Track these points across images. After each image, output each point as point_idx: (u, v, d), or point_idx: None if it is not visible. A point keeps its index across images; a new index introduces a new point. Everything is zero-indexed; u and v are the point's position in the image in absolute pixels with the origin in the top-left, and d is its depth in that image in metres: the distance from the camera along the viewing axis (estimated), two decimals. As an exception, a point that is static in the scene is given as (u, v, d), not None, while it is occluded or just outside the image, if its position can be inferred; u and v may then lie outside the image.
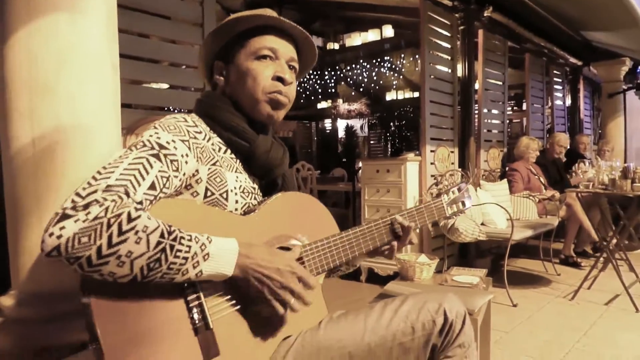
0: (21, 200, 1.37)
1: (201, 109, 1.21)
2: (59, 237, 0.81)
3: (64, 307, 1.33)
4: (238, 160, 1.20)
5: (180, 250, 0.90)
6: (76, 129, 1.38)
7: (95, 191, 0.86)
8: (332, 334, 1.13)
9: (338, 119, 12.22)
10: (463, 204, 1.51)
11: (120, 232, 0.83)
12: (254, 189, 1.20)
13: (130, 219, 0.85)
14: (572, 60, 6.99)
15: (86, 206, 0.83)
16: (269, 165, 1.23)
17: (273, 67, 1.20)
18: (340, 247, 1.23)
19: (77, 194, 0.85)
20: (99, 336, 0.84)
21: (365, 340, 1.11)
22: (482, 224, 4.00)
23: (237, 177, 1.16)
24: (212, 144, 1.15)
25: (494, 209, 4.00)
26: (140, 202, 0.91)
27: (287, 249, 1.15)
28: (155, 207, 0.96)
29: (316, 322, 1.18)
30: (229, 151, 1.18)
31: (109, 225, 0.83)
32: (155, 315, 0.91)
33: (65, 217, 0.82)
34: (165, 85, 2.77)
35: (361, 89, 11.38)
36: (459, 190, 1.50)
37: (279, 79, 1.19)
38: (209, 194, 1.09)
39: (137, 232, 0.85)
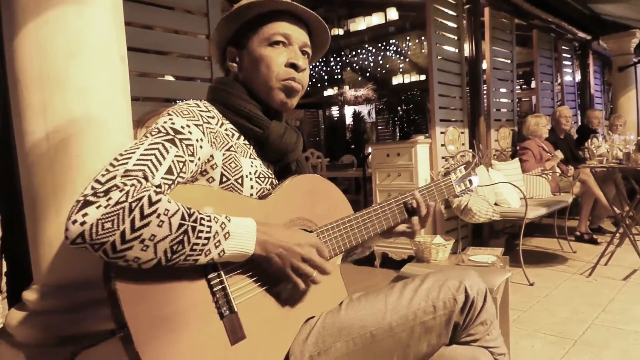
0: (38, 194, 1.38)
1: (213, 95, 1.22)
2: (83, 223, 0.81)
3: (86, 296, 1.35)
4: (251, 147, 1.20)
5: (201, 231, 0.90)
6: (89, 122, 1.38)
7: (114, 177, 0.86)
8: (353, 314, 1.14)
9: (345, 105, 12.19)
10: (470, 182, 1.52)
11: (143, 216, 0.84)
12: (270, 174, 1.21)
13: (151, 203, 0.85)
14: (581, 34, 6.90)
15: (107, 192, 0.84)
16: (283, 150, 1.23)
17: (286, 54, 1.19)
18: (356, 227, 1.23)
19: (97, 181, 0.86)
20: (127, 321, 0.85)
21: (387, 319, 1.12)
22: (496, 204, 3.99)
23: (252, 162, 1.17)
24: (226, 130, 1.15)
25: (506, 188, 3.99)
26: (159, 186, 0.91)
27: (306, 231, 1.16)
28: (172, 193, 0.96)
29: (337, 303, 1.19)
30: (242, 137, 1.19)
31: (131, 210, 0.83)
32: (180, 299, 0.92)
33: (87, 204, 0.83)
34: (171, 78, 2.78)
35: (367, 74, 11.33)
36: (466, 168, 1.51)
37: (293, 66, 1.19)
38: (224, 179, 1.10)
39: (159, 216, 0.85)
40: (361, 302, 1.16)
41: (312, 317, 1.15)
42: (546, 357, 2.31)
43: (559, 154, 4.66)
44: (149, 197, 0.86)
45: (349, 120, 12.44)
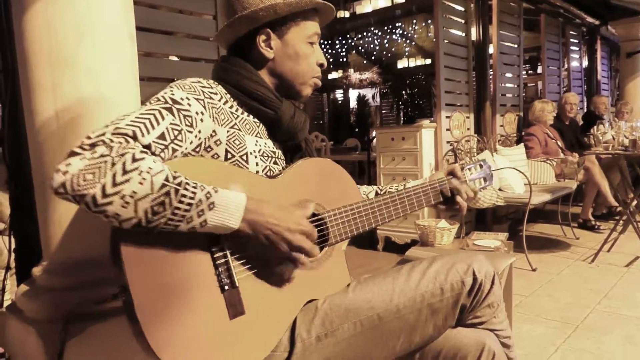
0: (48, 172, 1.39)
1: (221, 75, 1.22)
2: (65, 172, 0.83)
3: (93, 275, 1.36)
4: (262, 125, 1.22)
5: (184, 196, 0.89)
6: (98, 101, 1.39)
7: (103, 133, 0.88)
8: (361, 296, 1.15)
9: (350, 89, 12.14)
10: (484, 180, 1.55)
11: (124, 172, 0.84)
12: (274, 153, 1.21)
13: (134, 159, 0.86)
14: (589, 19, 6.83)
15: (92, 145, 0.86)
16: (293, 130, 1.24)
17: (317, 53, 1.27)
18: (364, 215, 1.25)
19: (87, 137, 0.87)
20: (128, 284, 0.86)
21: (394, 302, 1.13)
22: (500, 189, 3.99)
23: (256, 140, 1.18)
24: (231, 107, 1.16)
25: (511, 174, 3.99)
26: (148, 147, 0.92)
27: (314, 214, 1.17)
28: (181, 162, 0.98)
29: (339, 287, 1.21)
30: (251, 116, 1.20)
31: (113, 164, 0.84)
32: (182, 269, 0.94)
33: (72, 154, 0.85)
34: (176, 58, 2.77)
35: (372, 58, 11.26)
36: (481, 166, 1.54)
37: (321, 65, 1.28)
38: (229, 156, 1.11)
39: (140, 173, 0.85)
40: (368, 285, 1.17)
41: (314, 300, 1.16)
42: (548, 341, 2.33)
43: (575, 158, 4.59)
44: (133, 155, 0.87)
45: (353, 103, 12.40)
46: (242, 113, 1.18)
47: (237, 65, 1.22)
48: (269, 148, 1.20)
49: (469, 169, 1.51)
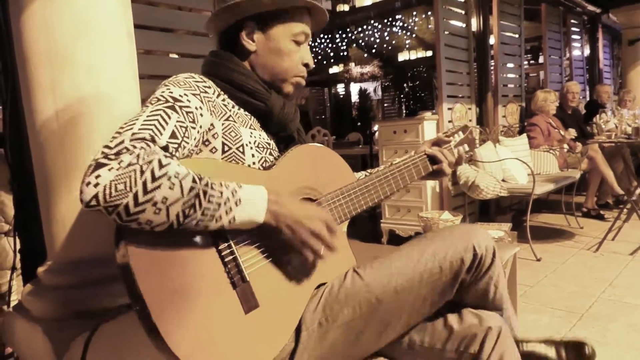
0: (50, 172, 1.40)
1: (210, 69, 1.23)
2: (96, 185, 0.82)
3: (100, 272, 1.37)
4: (253, 118, 1.23)
5: (212, 196, 0.91)
6: (98, 100, 1.39)
7: (122, 141, 0.87)
8: (358, 280, 1.16)
9: (351, 83, 12.12)
10: (470, 145, 1.57)
11: (154, 178, 0.85)
12: (269, 144, 1.23)
13: (161, 165, 0.86)
14: (590, 7, 6.80)
15: (117, 154, 0.85)
16: (284, 121, 1.26)
17: (303, 52, 1.27)
18: (360, 194, 1.28)
19: (106, 146, 0.87)
20: (143, 295, 0.86)
21: (392, 284, 1.14)
22: (503, 180, 3.99)
23: (251, 132, 1.19)
24: (223, 100, 1.18)
25: (514, 164, 3.98)
26: (165, 148, 0.93)
27: (311, 200, 1.19)
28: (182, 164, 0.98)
29: (346, 268, 1.22)
30: (242, 109, 1.22)
31: (142, 172, 0.84)
32: (192, 271, 0.94)
33: (99, 166, 0.83)
34: (176, 55, 2.77)
35: (373, 51, 11.23)
36: (463, 131, 1.56)
37: (306, 65, 1.28)
38: (226, 148, 1.12)
39: (169, 178, 0.86)
40: (366, 269, 1.18)
41: (322, 284, 1.18)
42: (553, 330, 2.33)
43: (571, 133, 4.61)
44: (159, 160, 0.87)
45: (354, 97, 12.38)
46: (234, 107, 1.20)
47: (225, 58, 1.23)
48: (263, 139, 1.22)
49: (453, 137, 1.55)
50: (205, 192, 0.90)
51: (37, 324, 1.38)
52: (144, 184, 0.84)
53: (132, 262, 0.87)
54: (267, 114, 1.23)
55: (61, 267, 1.43)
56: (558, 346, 1.32)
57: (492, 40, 4.91)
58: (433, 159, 1.45)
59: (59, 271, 1.42)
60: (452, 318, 1.19)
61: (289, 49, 1.23)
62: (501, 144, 4.37)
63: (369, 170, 1.52)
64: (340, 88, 12.72)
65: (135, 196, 0.83)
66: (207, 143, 1.10)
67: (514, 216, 4.74)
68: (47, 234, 1.47)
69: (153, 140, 0.91)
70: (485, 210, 4.52)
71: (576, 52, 7.03)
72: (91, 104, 1.38)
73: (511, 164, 3.97)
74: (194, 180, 0.89)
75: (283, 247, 1.06)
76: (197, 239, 0.96)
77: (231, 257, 1.00)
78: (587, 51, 7.31)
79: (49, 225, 1.45)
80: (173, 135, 0.97)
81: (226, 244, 1.00)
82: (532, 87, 8.71)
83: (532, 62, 9.84)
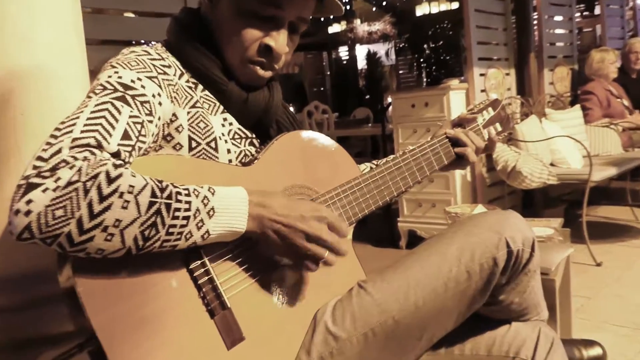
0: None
1: (168, 39, 1.23)
2: (28, 213, 0.79)
3: (42, 290, 1.36)
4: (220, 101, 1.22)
5: (178, 209, 0.90)
6: (34, 72, 1.38)
7: (59, 150, 0.85)
8: (368, 299, 1.15)
9: (356, 45, 12.08)
10: (503, 124, 1.57)
11: (102, 197, 0.83)
12: (247, 132, 1.23)
13: (110, 179, 0.84)
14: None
15: (53, 170, 0.82)
16: (253, 115, 1.24)
17: (265, 31, 1.17)
18: (366, 191, 1.28)
19: (39, 158, 0.84)
20: (96, 332, 0.85)
21: (411, 299, 1.14)
22: (552, 164, 3.98)
23: (224, 119, 1.19)
24: (187, 82, 1.17)
25: (565, 144, 3.97)
26: (117, 155, 0.92)
27: None
28: (136, 166, 0.96)
29: (352, 284, 1.22)
30: (206, 90, 1.20)
31: (86, 191, 0.82)
32: (158, 298, 0.94)
33: (30, 187, 0.81)
34: (133, 15, 2.76)
35: (384, 4, 11.19)
36: (494, 107, 1.56)
37: (267, 49, 1.18)
38: (193, 144, 1.11)
39: (121, 195, 0.84)
40: (376, 283, 1.18)
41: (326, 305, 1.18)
42: (618, 353, 2.33)
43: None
44: (107, 173, 0.84)
45: (361, 63, 12.36)
46: (196, 88, 1.18)
47: (183, 26, 1.22)
48: (239, 127, 1.22)
49: (481, 114, 1.54)
50: (168, 206, 0.89)
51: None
52: (90, 205, 0.81)
53: (80, 288, 0.86)
54: (224, 104, 1.21)
55: (-2, 286, 1.42)
56: None
57: (534, -14, 4.90)
58: (456, 143, 1.46)
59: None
60: (494, 321, 1.25)
61: (235, 26, 1.17)
62: (548, 118, 4.36)
63: (375, 162, 1.52)
64: (343, 52, 12.69)
65: (80, 222, 0.81)
66: (169, 138, 1.09)
67: (566, 209, 4.74)
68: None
69: (99, 147, 0.89)
70: (529, 203, 4.52)
71: (642, 0, 7.00)
72: (25, 79, 1.37)
73: (561, 143, 3.97)
74: (153, 193, 0.88)
75: (272, 260, 1.06)
76: (163, 257, 0.94)
77: (206, 277, 0.99)
78: (655, -2, 7.28)
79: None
80: (125, 136, 0.95)
81: (199, 262, 0.99)
82: (586, 46, 8.68)
83: (585, 13, 9.81)
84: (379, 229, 4.43)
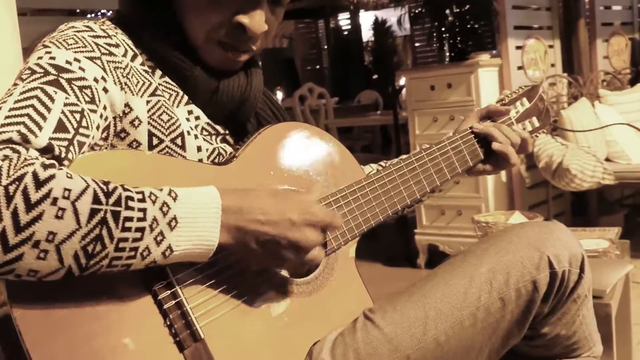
0: None
1: (121, 14, 1.23)
2: None
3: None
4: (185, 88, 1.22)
5: (129, 219, 0.88)
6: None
7: None
8: (376, 333, 1.15)
9: (360, 11, 12.08)
10: (541, 118, 1.56)
11: (30, 205, 0.81)
12: (218, 128, 1.23)
13: (39, 182, 0.82)
14: None
15: None
16: (225, 107, 1.24)
17: (237, 4, 1.15)
18: (372, 198, 1.27)
19: None
20: None
21: (430, 333, 1.14)
22: (607, 159, 3.99)
23: (188, 111, 1.19)
24: (142, 64, 1.16)
25: (624, 133, 3.98)
26: (49, 150, 0.91)
27: None
28: (77, 166, 0.96)
29: (356, 313, 1.22)
30: (167, 76, 1.20)
31: (9, 197, 0.80)
32: (115, 327, 0.94)
33: None
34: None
35: (395, -42, 11.20)
36: (530, 97, 1.55)
37: (239, 28, 1.16)
38: (155, 141, 1.11)
39: (55, 201, 0.82)
40: (387, 313, 1.18)
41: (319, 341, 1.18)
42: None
43: None
44: (35, 174, 0.83)
45: (367, 34, 12.34)
46: (162, 77, 1.18)
47: None
48: (208, 119, 1.22)
49: (514, 106, 1.54)
50: (116, 215, 0.87)
51: None
52: (14, 215, 0.80)
53: (16, 313, 0.86)
54: (190, 94, 1.21)
55: None
56: None
57: None
58: (485, 140, 1.45)
59: None
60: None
61: None
62: (603, 101, 4.37)
63: (383, 163, 1.52)
64: (344, 19, 12.68)
65: (3, 237, 0.79)
66: (122, 135, 1.09)
67: (627, 216, 4.75)
68: None
69: (26, 141, 0.89)
70: (581, 209, 4.52)
71: None
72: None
73: (619, 132, 3.97)
74: (96, 198, 0.86)
75: (257, 280, 1.06)
76: (119, 276, 0.94)
77: (173, 302, 0.99)
78: None
79: None
80: (60, 128, 0.94)
81: (164, 282, 0.99)
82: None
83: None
84: (392, 243, 4.44)
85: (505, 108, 1.50)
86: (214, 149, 1.18)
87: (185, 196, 0.95)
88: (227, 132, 1.25)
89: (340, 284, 1.23)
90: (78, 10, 2.57)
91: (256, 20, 1.15)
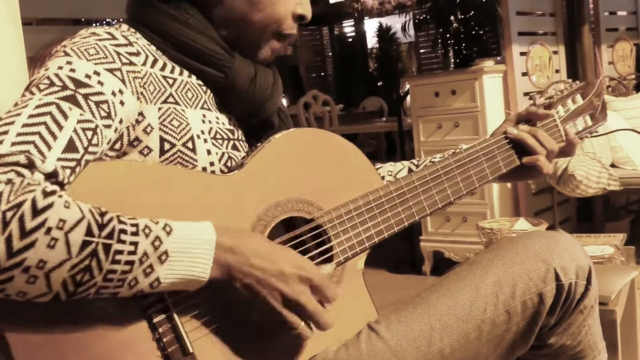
0: None
1: (136, 14, 1.22)
2: None
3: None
4: (209, 91, 1.22)
5: (120, 252, 0.89)
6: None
7: None
8: (380, 346, 1.15)
9: (365, 17, 12.10)
10: (595, 116, 1.51)
11: (24, 233, 0.82)
12: (232, 132, 1.23)
13: (36, 211, 0.84)
14: None
15: None
16: (257, 100, 1.24)
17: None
18: (387, 207, 1.25)
19: None
20: None
21: (435, 346, 1.15)
22: (613, 164, 3.99)
23: (203, 115, 1.19)
24: (162, 69, 1.16)
25: (629, 139, 3.97)
26: (53, 175, 0.91)
27: (305, 220, 1.18)
28: (84, 179, 0.97)
29: (359, 328, 1.21)
30: (193, 77, 1.21)
31: (6, 223, 0.82)
32: (99, 335, 0.94)
33: None
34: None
35: (399, -35, 11.23)
36: (584, 94, 1.51)
37: (300, 18, 1.24)
38: (166, 146, 1.11)
39: (49, 230, 0.84)
40: (391, 324, 1.18)
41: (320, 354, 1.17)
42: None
43: None
44: (34, 202, 0.84)
45: (372, 41, 12.36)
46: (180, 74, 1.19)
47: None
48: (223, 125, 1.21)
49: (562, 105, 1.49)
50: (107, 248, 0.88)
51: None
52: (8, 241, 0.82)
53: (10, 336, 0.87)
54: (228, 87, 1.21)
55: None
56: None
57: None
58: (519, 147, 1.41)
59: None
60: None
61: None
62: (608, 107, 4.36)
63: (415, 161, 1.52)
64: (348, 26, 12.70)
65: None
66: (135, 143, 1.09)
67: (632, 222, 4.74)
68: None
69: (31, 165, 0.89)
70: (587, 215, 4.51)
71: None
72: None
73: (625, 138, 3.97)
74: (89, 231, 0.87)
75: (243, 307, 1.05)
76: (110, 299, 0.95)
77: (163, 315, 0.99)
78: None
79: None
80: (70, 148, 0.95)
81: (155, 296, 0.99)
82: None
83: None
84: (397, 250, 4.44)
85: (545, 112, 1.44)
86: (222, 154, 1.18)
87: (179, 232, 0.96)
88: (238, 137, 1.24)
89: (345, 296, 1.19)
90: (83, 20, 2.58)
91: (309, 10, 1.23)
